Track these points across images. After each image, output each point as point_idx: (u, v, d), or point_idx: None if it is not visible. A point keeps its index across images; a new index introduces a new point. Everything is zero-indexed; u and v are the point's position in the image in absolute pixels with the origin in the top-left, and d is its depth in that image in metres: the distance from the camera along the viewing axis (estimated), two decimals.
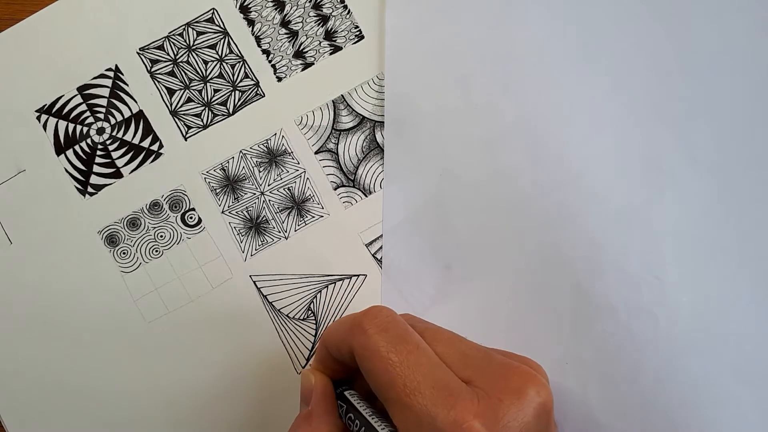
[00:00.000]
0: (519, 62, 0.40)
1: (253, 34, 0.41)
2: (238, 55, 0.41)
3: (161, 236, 0.40)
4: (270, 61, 0.41)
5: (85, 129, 0.40)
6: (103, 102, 0.40)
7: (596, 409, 0.37)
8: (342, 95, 0.40)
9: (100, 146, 0.40)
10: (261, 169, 0.40)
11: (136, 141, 0.40)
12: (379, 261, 0.39)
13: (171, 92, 0.40)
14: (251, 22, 0.41)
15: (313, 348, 0.39)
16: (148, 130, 0.40)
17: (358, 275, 0.39)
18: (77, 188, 0.40)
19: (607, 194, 0.38)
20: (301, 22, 0.41)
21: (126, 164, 0.40)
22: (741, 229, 0.38)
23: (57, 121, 0.40)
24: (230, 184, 0.40)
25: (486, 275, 0.39)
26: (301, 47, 0.41)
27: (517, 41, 0.40)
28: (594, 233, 0.38)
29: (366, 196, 0.40)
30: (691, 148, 0.39)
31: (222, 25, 0.41)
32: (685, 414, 0.37)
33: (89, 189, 0.40)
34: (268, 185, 0.40)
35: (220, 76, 0.40)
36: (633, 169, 0.39)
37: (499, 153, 0.39)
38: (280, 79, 0.41)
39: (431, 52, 0.40)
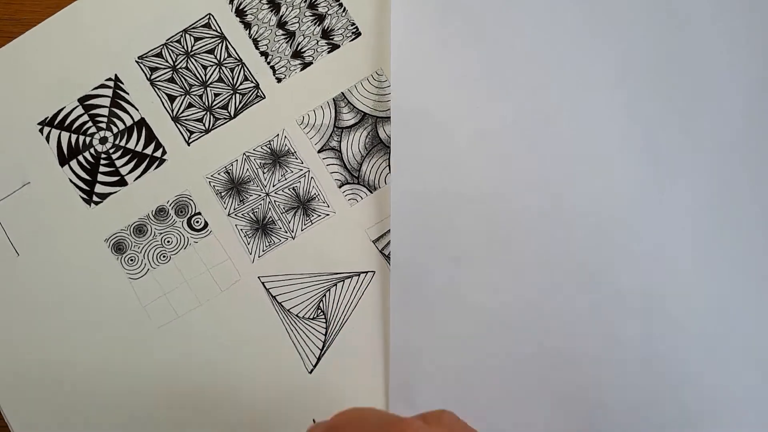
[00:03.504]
0: (523, 54, 0.39)
1: (250, 37, 0.41)
2: (236, 59, 0.41)
3: (168, 241, 0.40)
4: (269, 63, 0.41)
5: (87, 139, 0.40)
6: (105, 111, 0.40)
7: (610, 398, 0.37)
8: (342, 93, 0.40)
9: (103, 155, 0.40)
10: (265, 171, 0.40)
11: (139, 148, 0.40)
12: (387, 257, 0.39)
13: (172, 99, 0.40)
14: (248, 25, 0.41)
15: (323, 347, 0.39)
16: (151, 137, 0.40)
17: (367, 272, 0.39)
18: (82, 198, 0.40)
19: (616, 182, 0.38)
20: (298, 22, 0.41)
21: (130, 172, 0.40)
22: (751, 213, 0.38)
23: (60, 133, 0.40)
24: (235, 187, 0.40)
25: (495, 267, 0.38)
26: (299, 47, 0.41)
27: (522, 34, 0.40)
28: (603, 221, 0.38)
29: (371, 193, 0.40)
30: (698, 135, 0.38)
31: (219, 30, 0.41)
32: (699, 397, 0.37)
33: (94, 198, 0.40)
34: (273, 186, 0.40)
35: (220, 80, 0.41)
36: (642, 155, 0.38)
37: (506, 143, 0.39)
38: (279, 80, 0.41)
39: (436, 44, 0.40)
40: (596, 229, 0.38)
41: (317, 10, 0.41)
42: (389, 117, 0.40)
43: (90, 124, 0.40)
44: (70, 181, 0.40)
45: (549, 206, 0.38)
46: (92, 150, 0.40)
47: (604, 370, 0.37)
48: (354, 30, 0.41)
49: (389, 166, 0.40)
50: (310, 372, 0.39)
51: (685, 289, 0.37)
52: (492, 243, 0.39)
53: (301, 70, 0.41)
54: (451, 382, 0.38)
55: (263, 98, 0.41)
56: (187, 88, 0.41)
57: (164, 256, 0.40)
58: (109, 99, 0.40)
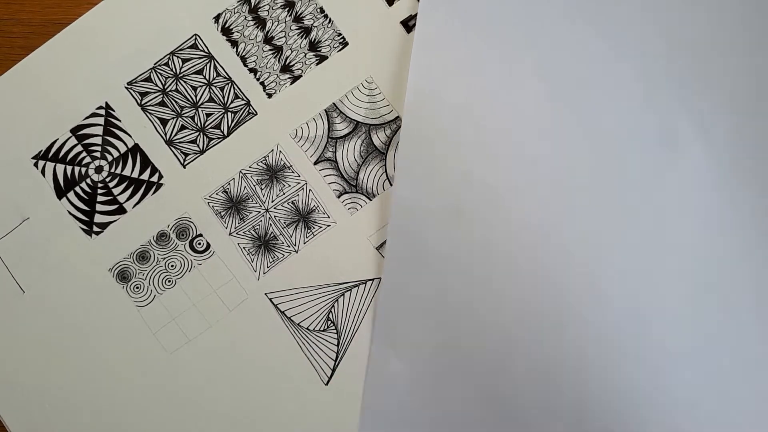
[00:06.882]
0: (533, 35, 0.39)
1: (238, 55, 0.41)
2: (225, 77, 0.41)
3: (172, 266, 0.40)
4: (258, 79, 0.41)
5: (83, 169, 0.40)
6: (98, 140, 0.40)
7: (598, 359, 0.37)
8: (333, 103, 0.41)
9: (100, 184, 0.40)
10: (263, 187, 0.40)
11: (135, 175, 0.40)
12: None
13: (164, 122, 0.40)
14: (234, 43, 0.41)
15: (337, 358, 0.39)
16: (146, 163, 0.40)
17: (373, 279, 0.39)
18: (83, 229, 0.40)
19: (620, 165, 0.38)
20: (284, 36, 0.41)
21: (128, 199, 0.40)
22: (753, 197, 0.38)
23: (55, 166, 0.40)
24: (234, 206, 0.40)
25: (495, 221, 0.38)
26: (287, 61, 0.41)
27: (532, 26, 0.40)
28: (607, 204, 0.38)
29: (370, 200, 0.40)
30: (701, 120, 0.39)
31: (206, 50, 0.41)
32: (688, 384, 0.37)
33: (95, 228, 0.40)
34: (272, 201, 0.40)
35: (211, 99, 0.41)
36: (644, 141, 0.39)
37: (518, 98, 0.39)
38: (270, 96, 0.41)
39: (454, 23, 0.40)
40: (603, 210, 0.38)
41: (303, 22, 0.41)
42: (382, 124, 0.40)
43: (84, 154, 0.40)
44: (69, 213, 0.40)
45: (553, 177, 0.38)
46: (89, 180, 0.40)
47: (593, 334, 0.37)
48: (341, 40, 0.41)
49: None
50: (327, 384, 0.39)
51: (689, 270, 0.38)
52: (494, 199, 0.38)
53: (291, 83, 0.41)
54: (436, 324, 0.38)
55: (255, 115, 0.41)
56: (179, 111, 0.40)
57: (169, 281, 0.39)
58: (102, 127, 0.40)
